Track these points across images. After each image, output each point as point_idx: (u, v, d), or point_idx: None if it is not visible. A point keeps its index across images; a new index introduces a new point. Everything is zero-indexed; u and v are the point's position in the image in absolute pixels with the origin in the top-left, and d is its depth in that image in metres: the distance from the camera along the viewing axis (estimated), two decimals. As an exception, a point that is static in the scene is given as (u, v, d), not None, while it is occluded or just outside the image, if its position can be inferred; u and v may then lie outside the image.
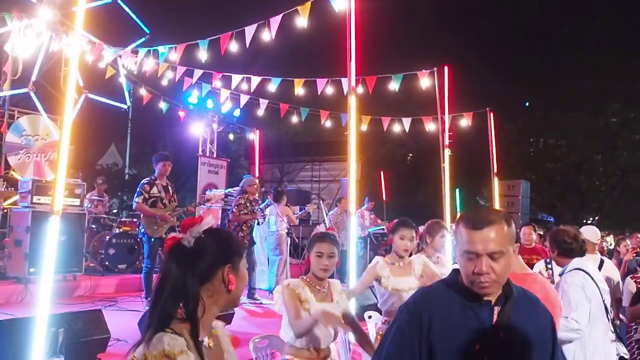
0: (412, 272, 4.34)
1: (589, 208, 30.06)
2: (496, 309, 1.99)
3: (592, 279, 3.89)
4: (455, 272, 2.12)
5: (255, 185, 9.36)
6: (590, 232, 5.71)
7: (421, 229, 5.51)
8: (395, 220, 4.47)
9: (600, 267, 5.34)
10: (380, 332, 4.25)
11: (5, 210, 9.81)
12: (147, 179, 7.91)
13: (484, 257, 1.94)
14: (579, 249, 4.09)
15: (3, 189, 10.14)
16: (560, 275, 4.07)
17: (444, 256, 5.55)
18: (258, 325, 6.84)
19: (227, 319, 6.57)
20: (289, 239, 9.94)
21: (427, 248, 5.06)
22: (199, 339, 1.81)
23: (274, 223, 9.63)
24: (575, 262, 4.01)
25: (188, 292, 1.80)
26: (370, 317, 4.99)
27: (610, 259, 6.73)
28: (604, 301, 3.90)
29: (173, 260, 1.85)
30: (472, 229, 1.98)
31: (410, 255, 4.52)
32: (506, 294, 2.01)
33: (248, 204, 8.96)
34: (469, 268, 1.98)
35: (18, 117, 11.44)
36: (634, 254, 7.76)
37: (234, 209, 8.99)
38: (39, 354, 3.47)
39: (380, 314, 4.58)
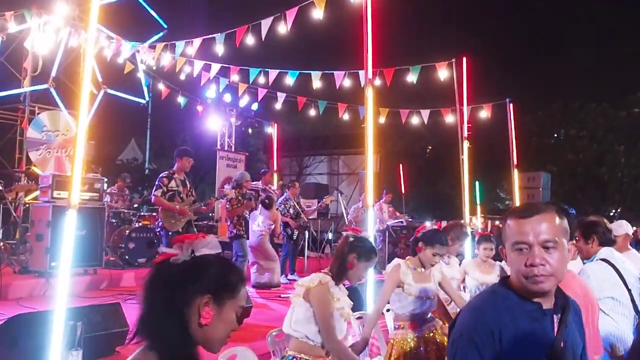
0: (432, 278, 4.22)
1: (611, 200, 29.68)
2: (556, 318, 1.88)
3: (618, 270, 3.84)
4: (503, 280, 2.00)
5: (250, 181, 9.52)
6: (625, 226, 5.61)
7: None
8: (431, 230, 4.27)
9: None
10: (393, 340, 4.14)
11: (27, 205, 9.94)
12: (166, 172, 7.96)
13: (536, 246, 1.82)
14: (613, 239, 4.15)
15: (24, 184, 10.27)
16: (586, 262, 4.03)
17: (454, 259, 5.50)
18: (275, 319, 6.83)
19: (246, 312, 6.58)
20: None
21: None
22: None
23: (261, 223, 9.57)
24: (605, 251, 3.98)
25: (159, 318, 1.65)
26: (388, 310, 4.88)
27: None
28: (630, 293, 3.84)
29: (155, 277, 1.70)
30: (521, 218, 1.88)
31: None
32: (562, 300, 1.92)
33: (240, 198, 9.18)
34: (520, 262, 1.85)
35: (38, 113, 11.57)
36: None
37: (227, 205, 9.20)
38: (58, 347, 3.50)
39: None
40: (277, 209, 9.95)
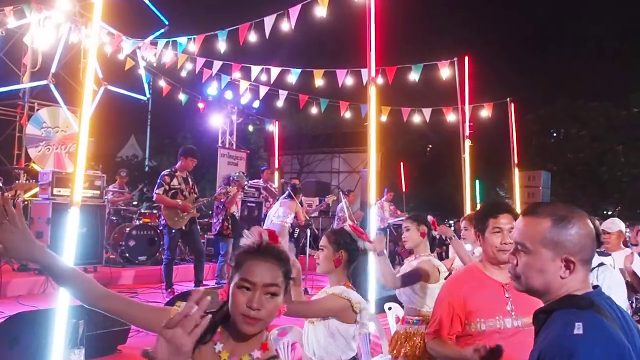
0: None
1: (610, 199, 29.69)
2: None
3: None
4: None
5: (241, 181, 9.49)
6: (618, 223, 5.47)
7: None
8: None
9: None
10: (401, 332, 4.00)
11: (26, 202, 9.88)
12: (168, 170, 7.92)
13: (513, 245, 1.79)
14: None
15: (24, 181, 10.22)
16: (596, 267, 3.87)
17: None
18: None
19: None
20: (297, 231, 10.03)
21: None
22: (211, 339, 1.71)
23: (281, 214, 9.51)
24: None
25: None
26: (390, 308, 4.88)
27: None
28: None
29: None
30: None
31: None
32: (548, 309, 1.67)
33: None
34: None
35: (38, 109, 11.51)
36: None
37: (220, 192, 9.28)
38: (60, 345, 3.47)
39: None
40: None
